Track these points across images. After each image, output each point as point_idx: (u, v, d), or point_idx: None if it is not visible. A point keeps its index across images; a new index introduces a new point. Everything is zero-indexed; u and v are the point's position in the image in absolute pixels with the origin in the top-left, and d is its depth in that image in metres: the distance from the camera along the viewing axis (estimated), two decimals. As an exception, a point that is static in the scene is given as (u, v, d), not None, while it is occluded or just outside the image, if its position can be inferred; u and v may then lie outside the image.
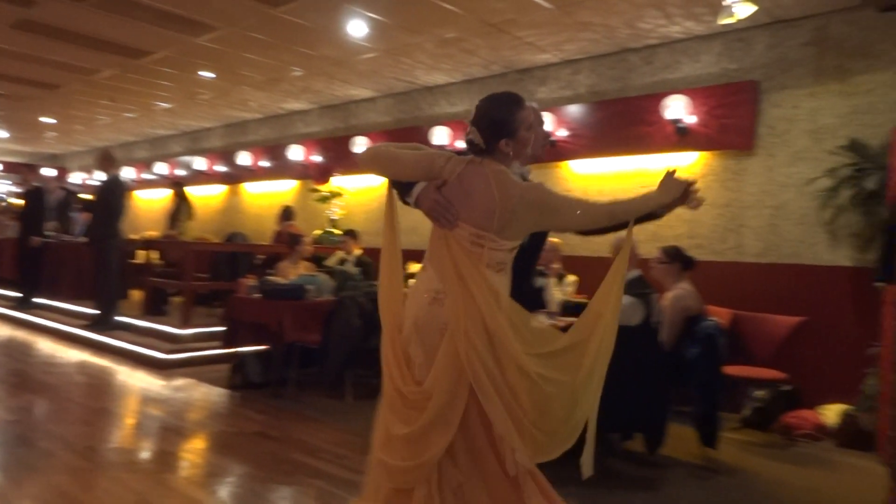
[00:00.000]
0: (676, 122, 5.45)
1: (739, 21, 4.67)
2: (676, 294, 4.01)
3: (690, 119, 5.44)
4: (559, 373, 2.02)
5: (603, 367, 2.11)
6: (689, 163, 5.58)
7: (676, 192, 1.98)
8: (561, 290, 5.09)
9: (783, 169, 5.10)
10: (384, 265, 2.16)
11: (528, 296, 2.33)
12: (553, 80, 6.58)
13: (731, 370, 4.35)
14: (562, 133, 6.27)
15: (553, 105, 6.47)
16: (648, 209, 2.02)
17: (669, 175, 2.02)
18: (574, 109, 6.26)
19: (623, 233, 2.10)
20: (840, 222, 4.79)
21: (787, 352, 4.71)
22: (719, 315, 4.46)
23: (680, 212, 5.93)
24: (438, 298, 1.99)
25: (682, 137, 5.50)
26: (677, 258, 4.14)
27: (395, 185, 2.12)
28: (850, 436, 4.25)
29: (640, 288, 3.74)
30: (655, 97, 5.64)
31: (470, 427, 1.99)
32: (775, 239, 5.11)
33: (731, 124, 5.28)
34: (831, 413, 4.47)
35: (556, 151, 6.32)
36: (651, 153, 5.73)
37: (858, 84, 4.80)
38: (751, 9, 4.32)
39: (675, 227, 5.60)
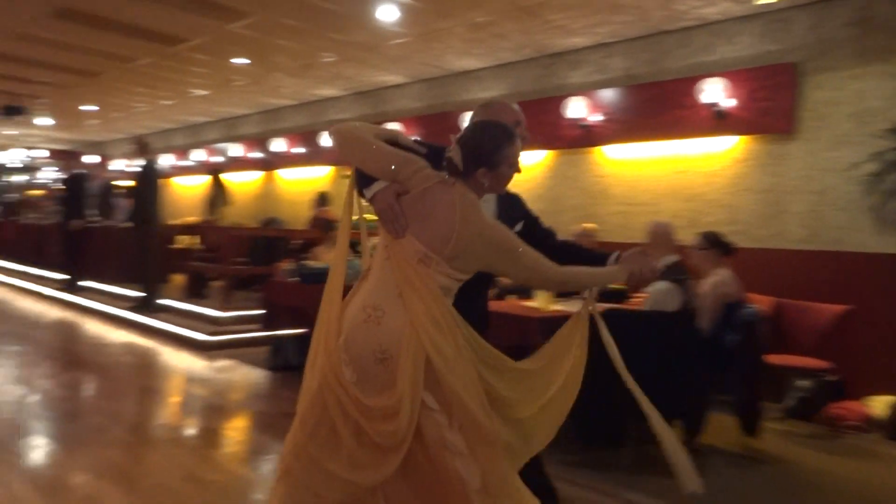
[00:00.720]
0: (713, 105, 5.36)
1: (779, 1, 4.57)
2: (715, 280, 3.97)
3: (728, 102, 5.34)
4: (508, 401, 1.93)
5: (561, 407, 2.08)
6: (726, 147, 5.49)
7: (639, 274, 2.04)
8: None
9: (826, 153, 4.98)
10: (336, 259, 2.02)
11: (481, 317, 2.18)
12: (585, 63, 6.52)
13: (772, 359, 4.29)
14: (595, 118, 6.22)
15: (585, 89, 6.41)
16: (603, 285, 2.05)
17: (637, 254, 2.06)
18: (607, 94, 6.19)
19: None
20: (887, 208, 4.67)
21: (831, 341, 4.62)
22: (760, 303, 4.40)
23: (719, 197, 5.85)
24: (374, 317, 1.81)
25: (719, 121, 5.42)
26: (716, 244, 4.10)
27: (357, 172, 1.98)
28: (900, 427, 4.18)
29: (677, 273, 3.71)
30: (691, 80, 5.55)
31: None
32: (818, 225, 5.01)
33: (771, 107, 5.17)
34: (879, 404, 4.38)
35: (589, 136, 6.27)
36: (687, 138, 5.65)
37: (905, 65, 4.66)
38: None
39: (713, 213, 5.53)
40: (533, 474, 2.15)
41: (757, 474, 3.49)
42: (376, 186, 1.90)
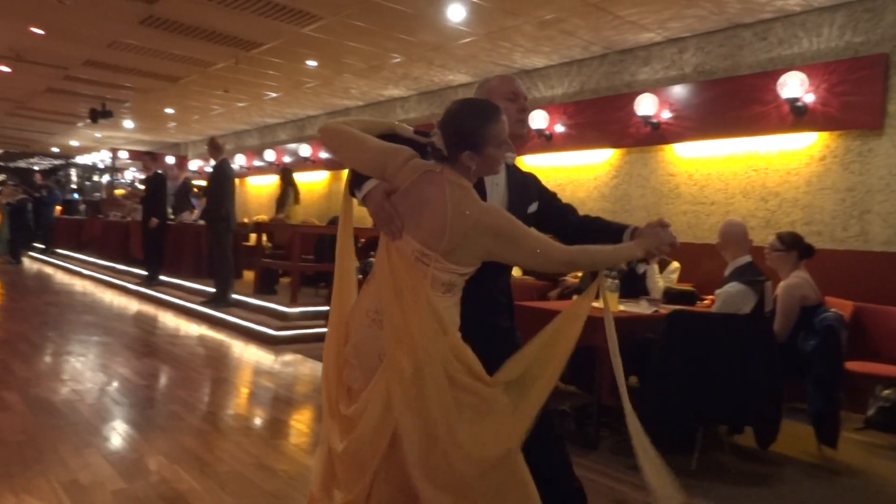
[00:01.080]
0: (793, 100, 5.12)
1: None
2: (791, 283, 3.80)
3: (809, 97, 5.10)
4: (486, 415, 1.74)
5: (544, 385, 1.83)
6: (806, 144, 5.24)
7: (655, 247, 1.90)
8: (664, 277, 4.95)
9: (916, 149, 4.69)
10: (339, 262, 1.96)
11: (500, 304, 2.05)
12: (657, 59, 6.35)
13: (852, 366, 4.07)
14: (665, 115, 6.06)
15: (656, 86, 6.25)
16: (616, 263, 1.85)
17: (655, 226, 1.92)
18: (679, 90, 6.02)
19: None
20: (983, 207, 4.35)
21: (917, 348, 4.35)
22: (840, 307, 4.17)
23: (797, 196, 5.62)
24: (377, 320, 1.74)
25: (798, 117, 5.17)
26: (794, 245, 3.92)
27: (351, 172, 1.89)
28: None
29: (752, 275, 3.57)
30: (769, 75, 5.33)
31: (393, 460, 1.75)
32: (905, 226, 4.72)
33: (856, 102, 4.90)
34: (967, 416, 4.10)
35: (660, 134, 6.11)
36: (764, 134, 5.42)
37: None
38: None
39: (789, 213, 5.29)
40: (564, 478, 2.09)
41: (834, 486, 3.31)
42: (367, 186, 1.79)
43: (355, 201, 1.91)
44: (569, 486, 2.11)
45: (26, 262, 13.92)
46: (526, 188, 2.11)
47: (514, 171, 2.10)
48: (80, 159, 21.43)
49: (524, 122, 2.10)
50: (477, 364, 1.73)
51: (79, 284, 10.43)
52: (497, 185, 2.02)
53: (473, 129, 1.71)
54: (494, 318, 1.96)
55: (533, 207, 2.08)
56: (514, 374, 1.79)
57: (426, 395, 1.65)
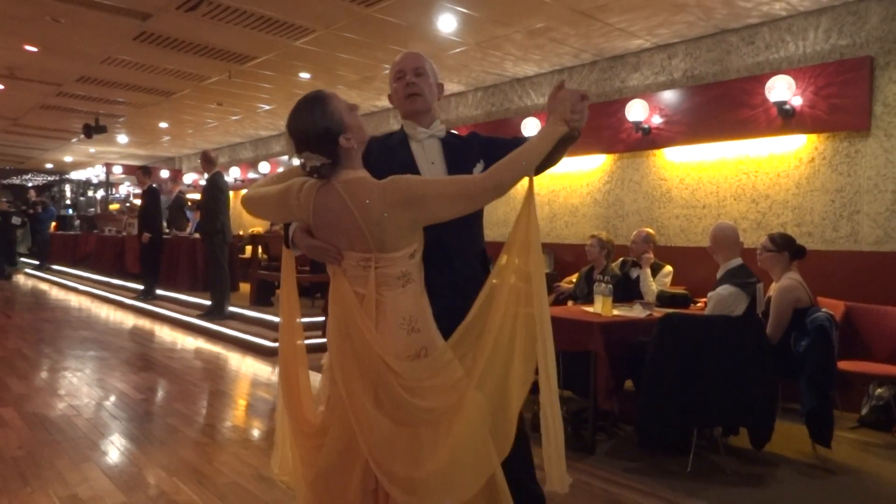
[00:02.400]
0: (781, 104, 5.18)
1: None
2: (785, 285, 3.84)
3: (797, 100, 5.16)
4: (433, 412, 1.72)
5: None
6: (795, 147, 5.30)
7: (569, 113, 1.73)
8: (657, 280, 4.99)
9: (903, 150, 4.74)
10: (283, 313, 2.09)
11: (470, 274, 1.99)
12: (646, 65, 6.42)
13: (845, 365, 4.11)
14: (656, 120, 6.11)
15: (646, 91, 6.31)
16: (543, 150, 1.71)
17: (554, 95, 1.77)
18: (669, 95, 6.08)
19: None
20: (970, 206, 4.41)
21: (909, 346, 4.39)
22: (831, 307, 4.21)
23: (787, 198, 5.67)
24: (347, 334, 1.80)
25: (787, 120, 5.23)
26: (786, 246, 3.96)
27: (283, 228, 1.91)
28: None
29: (744, 277, 3.61)
30: (757, 79, 5.39)
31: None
32: (895, 226, 4.77)
33: (843, 104, 4.96)
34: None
35: (651, 139, 6.17)
36: (753, 138, 5.48)
37: None
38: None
39: (780, 215, 5.34)
40: (525, 481, 2.03)
41: (829, 485, 3.34)
42: (290, 232, 1.83)
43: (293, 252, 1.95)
44: (529, 491, 2.05)
45: (21, 278, 13.89)
46: (466, 152, 2.08)
47: (450, 142, 2.08)
48: (75, 175, 21.41)
49: (412, 97, 2.09)
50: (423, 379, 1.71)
51: (74, 300, 10.42)
52: (433, 163, 2.04)
53: (318, 127, 1.72)
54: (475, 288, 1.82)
55: (478, 167, 2.03)
56: (466, 343, 1.73)
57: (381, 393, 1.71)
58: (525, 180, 1.75)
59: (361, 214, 1.69)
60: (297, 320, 2.06)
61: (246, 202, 1.90)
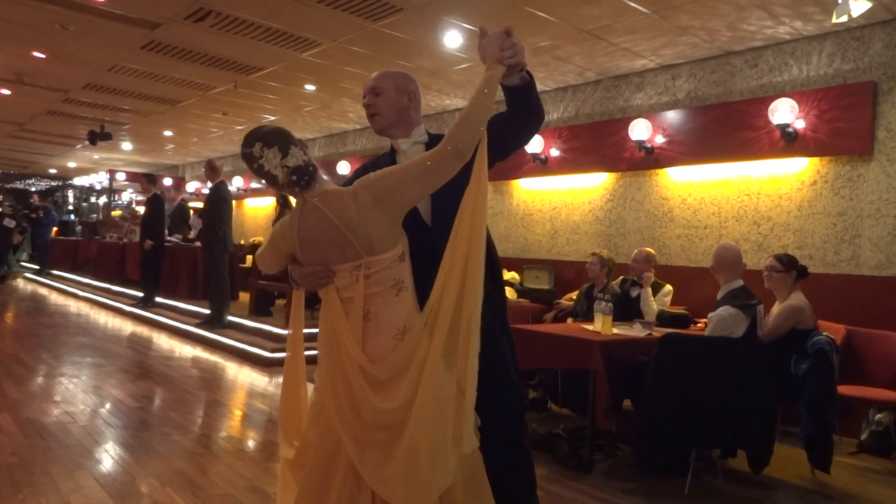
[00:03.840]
0: (784, 126, 5.20)
1: (854, 19, 4.42)
2: (794, 304, 3.85)
3: (799, 124, 5.18)
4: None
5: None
6: (797, 169, 5.31)
7: (499, 53, 1.74)
8: (657, 300, 4.98)
9: (905, 175, 4.75)
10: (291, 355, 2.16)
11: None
12: (650, 85, 6.45)
13: (845, 390, 4.09)
14: (659, 140, 6.14)
15: (650, 111, 6.34)
16: (487, 99, 1.72)
17: (481, 39, 1.81)
18: (672, 115, 6.10)
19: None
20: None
21: (909, 372, 4.37)
22: (832, 331, 4.20)
23: (788, 220, 5.67)
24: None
25: (789, 143, 5.25)
26: (792, 266, 3.97)
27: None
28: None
29: (744, 299, 3.60)
30: (760, 101, 5.41)
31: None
32: (896, 250, 4.77)
33: (846, 128, 4.98)
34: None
35: (654, 159, 6.19)
36: (755, 160, 5.49)
37: None
38: (865, 5, 4.08)
39: (781, 238, 5.34)
40: (526, 498, 2.08)
41: (830, 512, 3.31)
42: (290, 272, 1.91)
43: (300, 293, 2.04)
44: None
45: (20, 283, 13.89)
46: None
47: (433, 144, 2.04)
48: (78, 181, 21.49)
49: (371, 117, 2.15)
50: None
51: (73, 306, 10.41)
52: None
53: (261, 162, 1.79)
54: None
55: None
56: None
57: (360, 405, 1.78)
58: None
59: (342, 221, 1.74)
60: (303, 355, 2.14)
61: (259, 262, 2.04)
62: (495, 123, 1.88)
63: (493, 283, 2.01)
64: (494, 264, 2.05)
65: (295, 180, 1.80)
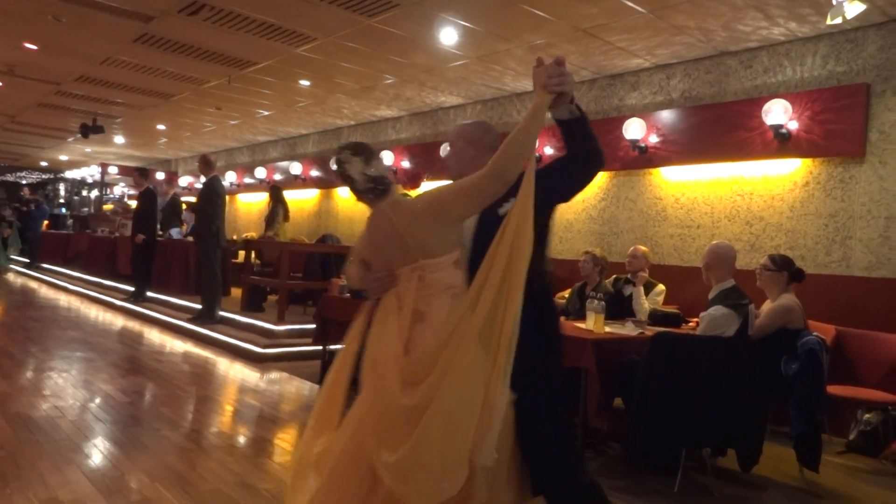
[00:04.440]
0: (777, 127, 5.22)
1: (848, 21, 4.44)
2: (785, 303, 3.86)
3: (792, 125, 5.20)
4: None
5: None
6: (790, 170, 5.33)
7: (546, 81, 1.87)
8: (649, 299, 4.99)
9: (897, 177, 4.78)
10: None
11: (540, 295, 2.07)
12: (645, 85, 6.46)
13: (835, 390, 4.11)
14: (653, 139, 6.15)
15: (645, 110, 6.35)
16: (534, 128, 1.86)
17: (536, 68, 1.92)
18: (667, 115, 6.11)
19: None
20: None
21: (899, 373, 4.39)
22: (822, 331, 4.22)
23: (780, 221, 5.69)
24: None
25: (782, 144, 5.27)
26: (785, 267, 3.99)
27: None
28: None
29: (736, 299, 3.61)
30: (755, 102, 5.43)
31: None
32: (888, 252, 4.79)
33: (839, 130, 5.00)
34: (949, 441, 4.13)
35: (648, 158, 6.20)
36: (749, 160, 5.51)
37: None
38: (859, 7, 4.09)
39: (773, 238, 5.36)
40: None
41: (819, 511, 3.33)
42: (363, 281, 2.17)
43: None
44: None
45: (10, 276, 13.79)
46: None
47: None
48: (69, 174, 21.35)
49: (444, 169, 2.43)
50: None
51: (64, 300, 10.35)
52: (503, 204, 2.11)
53: (346, 166, 2.11)
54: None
55: (506, 207, 2.01)
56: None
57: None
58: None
59: (402, 226, 1.98)
60: (351, 367, 2.20)
61: (347, 281, 2.39)
62: (556, 168, 2.12)
63: (541, 314, 2.05)
64: (537, 294, 2.01)
65: (371, 188, 2.08)
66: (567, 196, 2.20)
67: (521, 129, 1.86)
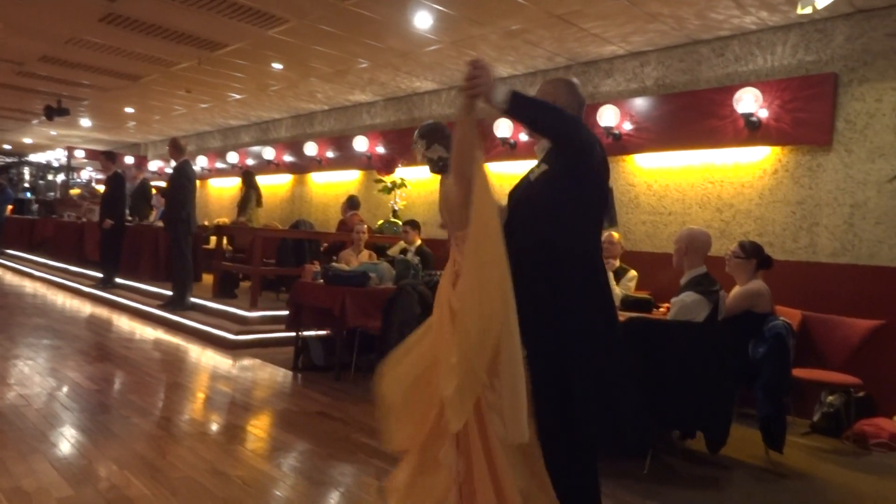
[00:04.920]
0: (748, 115, 5.28)
1: (818, 11, 4.49)
2: (752, 287, 3.93)
3: (763, 113, 5.27)
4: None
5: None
6: (759, 158, 5.41)
7: (463, 85, 2.09)
8: (621, 285, 5.04)
9: (862, 165, 4.88)
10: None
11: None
12: (619, 72, 6.49)
13: (800, 373, 4.21)
14: (626, 126, 6.18)
15: (619, 98, 6.38)
16: (467, 127, 2.16)
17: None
18: (640, 102, 6.15)
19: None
20: (923, 222, 4.55)
21: (862, 356, 4.51)
22: (789, 316, 4.32)
23: (750, 208, 5.76)
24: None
25: (752, 132, 5.34)
26: (754, 254, 4.05)
27: None
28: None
29: (707, 285, 3.66)
30: (726, 90, 5.49)
31: None
32: (852, 239, 4.90)
33: (807, 118, 5.08)
34: (909, 421, 4.27)
35: (622, 145, 6.23)
36: (720, 147, 5.58)
37: (948, 77, 4.54)
38: (830, -2, 4.13)
39: (743, 224, 5.44)
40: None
41: (780, 489, 3.42)
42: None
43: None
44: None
45: (-26, 262, 13.42)
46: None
47: None
48: (34, 157, 20.79)
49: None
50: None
51: (29, 286, 10.11)
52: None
53: (416, 147, 2.72)
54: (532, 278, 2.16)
55: (536, 172, 2.44)
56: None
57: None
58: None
59: (450, 196, 2.31)
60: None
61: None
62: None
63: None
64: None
65: (431, 167, 2.67)
66: (588, 174, 2.40)
67: (455, 136, 2.24)
